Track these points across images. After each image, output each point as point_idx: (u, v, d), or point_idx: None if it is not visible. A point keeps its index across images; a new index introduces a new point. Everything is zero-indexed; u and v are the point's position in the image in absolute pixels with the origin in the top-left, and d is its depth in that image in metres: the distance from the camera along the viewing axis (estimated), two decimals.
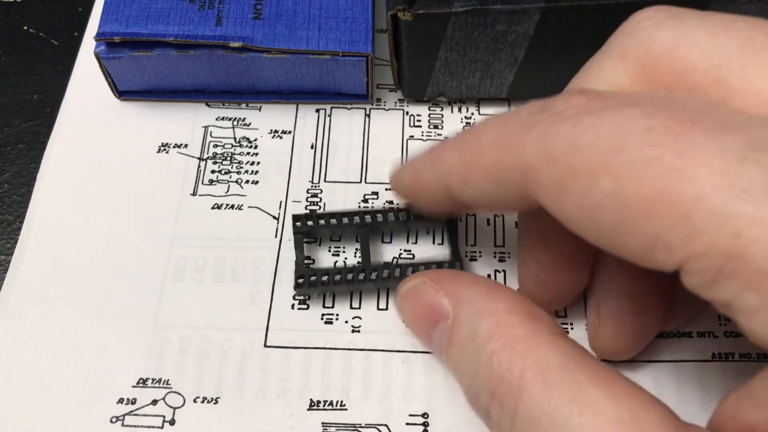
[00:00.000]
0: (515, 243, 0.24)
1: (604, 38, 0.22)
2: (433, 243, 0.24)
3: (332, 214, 0.23)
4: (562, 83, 0.24)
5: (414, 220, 0.23)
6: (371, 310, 0.23)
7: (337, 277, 0.23)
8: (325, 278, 0.22)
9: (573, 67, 0.21)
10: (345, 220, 0.23)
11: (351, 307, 0.23)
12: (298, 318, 0.23)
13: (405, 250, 0.24)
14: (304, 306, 0.23)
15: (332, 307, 0.23)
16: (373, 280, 0.22)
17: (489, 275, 0.24)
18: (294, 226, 0.23)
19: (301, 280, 0.23)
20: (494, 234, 0.25)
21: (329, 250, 0.24)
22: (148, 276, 0.24)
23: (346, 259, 0.24)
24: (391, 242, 0.24)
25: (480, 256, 0.24)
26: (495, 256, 0.24)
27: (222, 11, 0.25)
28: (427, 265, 0.23)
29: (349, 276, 0.22)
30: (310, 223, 0.23)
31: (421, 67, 0.26)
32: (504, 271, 0.24)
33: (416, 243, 0.24)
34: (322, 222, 0.23)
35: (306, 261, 0.24)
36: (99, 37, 0.24)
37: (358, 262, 0.24)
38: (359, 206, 0.25)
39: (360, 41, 0.25)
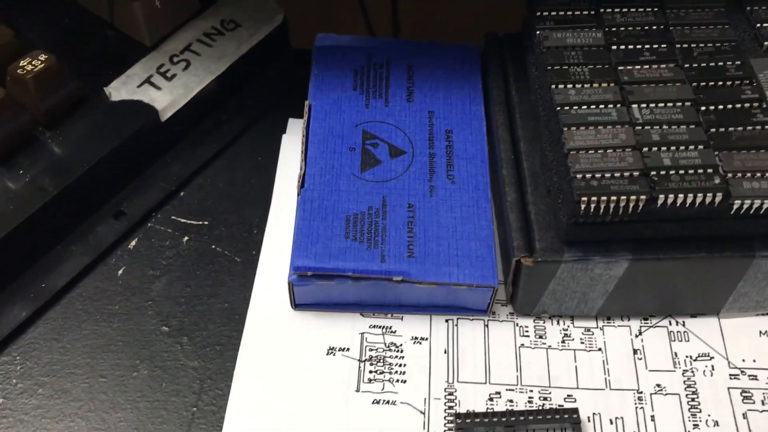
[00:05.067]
0: None
1: (679, 279, 0.30)
2: None
3: (477, 414, 0.31)
4: (641, 307, 0.31)
5: (538, 422, 0.30)
6: None
7: None
8: None
9: (650, 296, 0.29)
10: (486, 420, 0.30)
11: None
12: None
13: None
14: None
15: None
16: None
17: None
18: (455, 422, 0.30)
19: None
20: None
21: None
22: None
23: None
24: None
25: None
26: None
27: (384, 251, 0.33)
28: None
29: None
30: (468, 420, 0.30)
31: (533, 295, 0.33)
32: None
33: None
34: (473, 420, 0.30)
35: None
36: (294, 270, 0.32)
37: None
38: (486, 405, 0.32)
39: (489, 276, 0.33)
